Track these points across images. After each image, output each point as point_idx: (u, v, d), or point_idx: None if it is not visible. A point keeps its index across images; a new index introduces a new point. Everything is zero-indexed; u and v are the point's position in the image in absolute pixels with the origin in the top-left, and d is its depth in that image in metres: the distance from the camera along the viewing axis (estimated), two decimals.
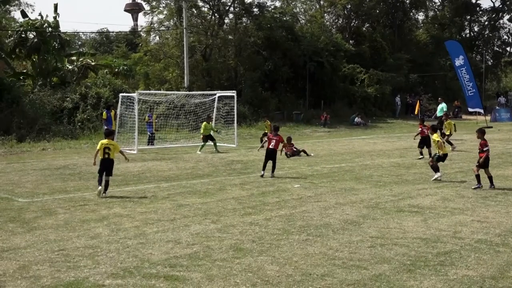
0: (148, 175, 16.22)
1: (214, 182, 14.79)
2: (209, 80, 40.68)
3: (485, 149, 13.23)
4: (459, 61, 37.05)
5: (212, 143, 22.77)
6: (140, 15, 67.46)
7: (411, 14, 58.75)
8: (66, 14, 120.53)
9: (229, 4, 42.57)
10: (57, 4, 35.37)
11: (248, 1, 42.63)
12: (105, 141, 13.13)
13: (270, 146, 15.79)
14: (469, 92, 37.11)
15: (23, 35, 33.38)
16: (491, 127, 35.46)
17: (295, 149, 21.08)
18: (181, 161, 19.75)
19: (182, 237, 9.12)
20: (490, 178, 13.28)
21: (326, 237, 9.07)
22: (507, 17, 63.23)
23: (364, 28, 54.24)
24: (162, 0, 42.35)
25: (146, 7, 45.74)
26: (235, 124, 25.82)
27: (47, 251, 8.36)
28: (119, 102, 24.82)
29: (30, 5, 76.16)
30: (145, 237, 9.11)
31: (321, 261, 7.79)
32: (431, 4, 62.59)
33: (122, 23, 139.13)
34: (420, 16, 62.33)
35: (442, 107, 28.41)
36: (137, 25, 69.26)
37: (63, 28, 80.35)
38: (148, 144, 24.77)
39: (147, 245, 8.63)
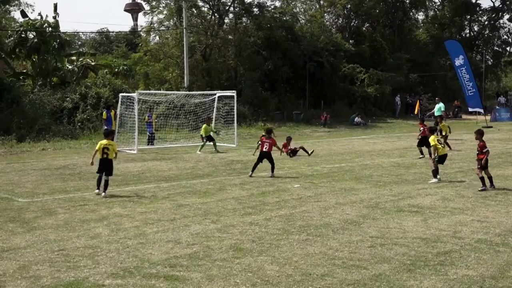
0: (148, 175, 16.23)
1: (214, 182, 14.79)
2: (209, 80, 40.69)
3: (484, 150, 13.19)
4: (459, 61, 37.05)
5: (212, 143, 22.78)
6: (140, 15, 67.49)
7: (411, 14, 58.79)
8: (66, 14, 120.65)
9: (229, 4, 42.58)
10: (56, 4, 35.40)
11: (248, 1, 42.64)
12: (104, 141, 13.15)
13: (264, 149, 15.82)
14: (469, 92, 37.11)
15: (23, 35, 33.38)
16: (491, 127, 35.48)
17: (292, 148, 21.12)
18: (181, 161, 19.75)
19: (182, 237, 9.12)
20: (490, 178, 13.27)
21: (326, 237, 9.07)
22: (507, 16, 63.33)
23: (364, 28, 54.26)
24: (162, 0, 42.37)
25: (146, 7, 45.80)
26: (235, 124, 25.82)
27: (47, 251, 8.36)
28: (119, 102, 24.82)
29: (30, 5, 76.26)
30: (145, 237, 9.11)
31: (321, 261, 7.79)
32: (431, 4, 62.66)
33: (122, 23, 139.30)
34: (420, 16, 62.47)
35: (440, 106, 28.43)
36: (137, 25, 69.30)
37: (63, 28, 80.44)
38: (148, 144, 24.78)
39: (147, 245, 8.63)
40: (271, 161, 15.79)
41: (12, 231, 9.63)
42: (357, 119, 39.30)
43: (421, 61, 53.82)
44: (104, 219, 10.47)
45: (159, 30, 44.08)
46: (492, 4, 63.15)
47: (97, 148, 13.17)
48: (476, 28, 64.98)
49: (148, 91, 31.90)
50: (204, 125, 23.19)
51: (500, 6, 62.65)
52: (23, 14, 35.57)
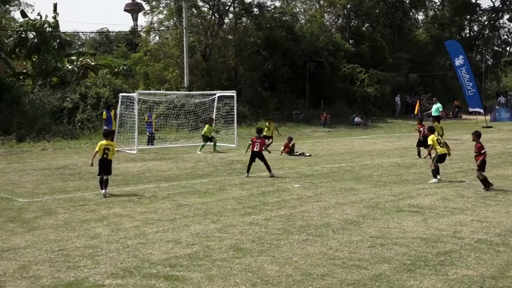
0: (148, 175, 16.23)
1: (214, 182, 14.79)
2: (209, 80, 40.69)
3: (482, 151, 13.18)
4: (459, 61, 37.07)
5: (212, 143, 22.80)
6: (140, 15, 67.51)
7: (411, 13, 58.79)
8: (66, 14, 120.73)
9: (229, 4, 42.58)
10: (56, 3, 35.42)
11: (248, 1, 42.65)
12: (104, 142, 13.18)
13: (255, 149, 15.83)
14: (469, 92, 37.13)
15: (23, 35, 33.38)
16: (491, 127, 35.49)
17: (292, 148, 21.17)
18: (181, 161, 19.75)
19: (182, 237, 9.12)
20: (485, 179, 13.18)
21: (326, 237, 9.07)
22: (507, 16, 63.34)
23: (364, 28, 54.27)
24: (162, 0, 42.37)
25: (146, 7, 45.80)
26: (235, 124, 25.82)
27: (47, 251, 8.36)
28: (119, 102, 24.83)
29: (30, 5, 76.16)
30: (145, 237, 9.11)
31: (321, 261, 7.79)
32: (431, 4, 62.66)
33: (122, 23, 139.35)
34: (420, 16, 62.47)
35: (437, 107, 28.48)
36: (137, 25, 69.32)
37: (63, 28, 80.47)
38: (148, 144, 24.79)
39: (147, 245, 8.63)
40: (264, 160, 15.80)
41: (12, 231, 9.62)
42: (357, 119, 39.30)
43: (421, 61, 53.82)
44: (104, 219, 10.47)
45: (159, 30, 44.11)
46: (492, 4, 63.26)
47: (97, 149, 13.16)
48: (476, 28, 65.05)
49: (148, 91, 31.91)
50: (207, 125, 23.25)
51: (500, 6, 62.66)
52: (23, 14, 35.59)
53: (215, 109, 26.74)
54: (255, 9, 42.61)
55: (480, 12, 63.36)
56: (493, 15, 63.44)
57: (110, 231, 9.55)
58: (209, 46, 41.19)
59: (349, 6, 50.62)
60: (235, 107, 26.30)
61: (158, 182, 14.95)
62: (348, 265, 7.59)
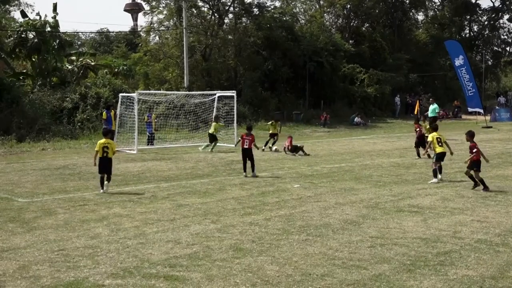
0: (148, 175, 16.23)
1: (214, 182, 14.79)
2: (209, 80, 40.69)
3: (474, 151, 13.18)
4: (459, 61, 37.06)
5: (212, 143, 22.86)
6: (140, 15, 67.46)
7: (411, 14, 58.78)
8: (66, 14, 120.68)
9: (228, 4, 42.58)
10: (56, 3, 35.39)
11: (248, 1, 42.66)
12: (102, 140, 13.39)
13: (245, 146, 15.84)
14: (469, 92, 37.12)
15: (23, 35, 33.36)
16: (491, 127, 35.50)
17: (293, 145, 21.25)
18: (181, 161, 19.75)
19: (182, 237, 9.12)
20: (472, 177, 13.16)
21: (326, 237, 9.07)
22: (506, 17, 63.33)
23: (363, 28, 54.28)
24: (162, 0, 42.37)
25: (146, 7, 45.80)
26: (235, 124, 25.83)
27: (47, 251, 8.36)
28: (119, 102, 24.83)
29: (30, 5, 76.13)
30: (145, 237, 9.11)
31: (321, 261, 7.79)
32: (430, 4, 62.66)
33: (122, 23, 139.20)
34: (420, 16, 62.45)
35: (434, 107, 28.52)
36: (137, 25, 69.29)
37: (63, 28, 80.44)
38: (148, 144, 24.78)
39: (147, 245, 8.63)
40: (252, 159, 15.81)
41: (12, 231, 9.62)
42: (357, 119, 39.30)
43: (421, 61, 53.82)
44: (104, 219, 10.47)
45: (159, 30, 44.11)
46: (492, 4, 63.22)
47: (96, 148, 13.40)
48: (476, 28, 65.04)
49: (148, 91, 31.90)
50: (214, 123, 23.35)
51: (500, 6, 62.64)
52: (23, 14, 35.56)
53: (215, 109, 26.74)
54: (255, 9, 42.62)
55: (480, 12, 63.37)
56: (493, 15, 63.43)
57: (110, 231, 9.55)
58: (209, 46, 41.20)
59: (349, 6, 50.62)
60: (235, 107, 26.32)
61: (158, 182, 14.95)
62: (348, 265, 7.59)
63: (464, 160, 13.96)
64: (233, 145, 24.45)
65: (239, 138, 16.54)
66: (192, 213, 10.92)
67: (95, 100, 30.63)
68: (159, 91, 33.89)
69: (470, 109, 38.87)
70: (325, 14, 52.31)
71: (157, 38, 45.92)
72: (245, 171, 15.78)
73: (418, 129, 20.42)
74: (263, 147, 22.92)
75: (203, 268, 7.50)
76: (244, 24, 43.03)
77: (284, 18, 44.47)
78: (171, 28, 42.65)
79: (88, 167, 17.82)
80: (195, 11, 41.83)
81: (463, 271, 7.33)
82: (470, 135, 13.54)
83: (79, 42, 59.52)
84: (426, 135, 21.66)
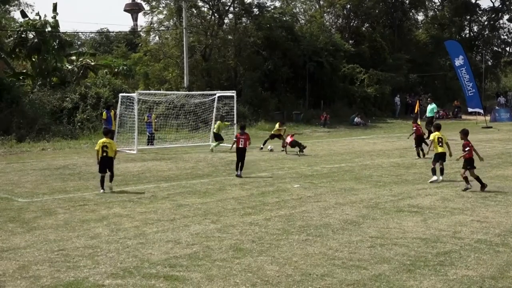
0: (148, 175, 16.23)
1: (214, 182, 14.79)
2: (209, 80, 40.68)
3: (466, 149, 13.18)
4: (459, 61, 37.07)
5: (215, 143, 22.91)
6: (140, 15, 67.48)
7: (411, 14, 58.77)
8: (66, 14, 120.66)
9: (228, 4, 42.57)
10: (56, 3, 35.38)
11: (248, 1, 42.65)
12: (102, 140, 13.53)
13: (240, 145, 15.87)
14: (469, 92, 37.13)
15: (23, 35, 33.35)
16: (491, 127, 35.52)
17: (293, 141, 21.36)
18: (181, 161, 19.76)
19: (182, 237, 9.12)
20: (466, 178, 13.10)
21: (326, 237, 9.07)
22: (506, 17, 63.31)
23: (363, 28, 54.26)
24: (162, 0, 42.36)
25: (146, 7, 45.76)
26: (235, 124, 25.82)
27: (47, 251, 8.36)
28: (119, 102, 24.82)
29: (30, 5, 76.08)
30: (145, 237, 9.11)
31: (321, 261, 7.79)
32: (430, 4, 62.64)
33: (122, 23, 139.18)
34: (420, 16, 62.43)
35: (432, 107, 28.55)
36: (136, 25, 69.30)
37: (63, 28, 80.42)
38: (148, 144, 24.78)
39: (146, 245, 8.63)
40: (243, 158, 15.86)
41: (12, 231, 9.63)
42: (357, 119, 39.30)
43: (421, 61, 53.80)
44: (104, 219, 10.47)
45: (159, 30, 44.10)
46: (491, 5, 63.20)
47: (97, 148, 13.55)
48: (475, 28, 65.00)
49: (148, 91, 31.89)
50: (218, 122, 23.41)
51: (500, 6, 62.61)
52: (23, 14, 35.55)
53: (215, 109, 26.74)
54: (255, 9, 42.60)
55: (480, 12, 63.32)
56: (493, 16, 63.40)
57: (110, 231, 9.55)
58: (209, 46, 41.19)
59: (348, 6, 50.61)
60: (235, 107, 26.32)
61: (158, 182, 14.95)
62: (348, 265, 7.60)
63: (456, 158, 13.97)
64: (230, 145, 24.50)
65: (234, 139, 16.55)
66: (192, 213, 10.92)
67: (95, 100, 30.62)
68: (159, 91, 33.88)
69: (470, 109, 38.87)
70: (325, 14, 52.30)
71: (157, 38, 45.97)
72: (237, 170, 15.83)
73: (415, 128, 20.47)
74: (262, 146, 22.96)
75: (203, 268, 7.50)
76: (244, 24, 43.02)
77: (284, 18, 44.45)
78: (171, 28, 42.65)
79: (88, 167, 17.82)
80: (195, 11, 41.81)
81: (463, 271, 7.33)
82: (464, 133, 13.57)
83: (79, 42, 59.55)
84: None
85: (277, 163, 18.69)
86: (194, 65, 40.86)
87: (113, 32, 63.99)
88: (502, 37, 65.18)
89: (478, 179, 13.06)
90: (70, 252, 8.27)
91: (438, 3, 63.40)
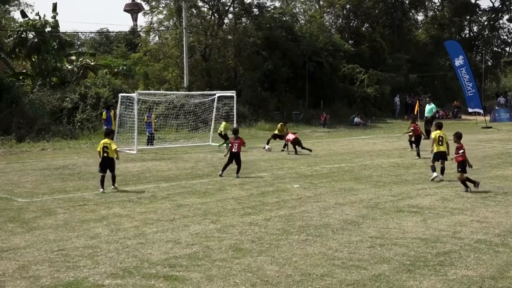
0: (148, 175, 16.22)
1: (214, 182, 14.79)
2: (209, 80, 40.69)
3: (460, 152, 13.18)
4: (458, 61, 37.08)
5: (220, 142, 22.95)
6: (140, 15, 67.55)
7: (411, 14, 58.78)
8: (66, 14, 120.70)
9: (228, 4, 42.58)
10: (56, 3, 35.36)
11: (248, 1, 42.67)
12: (104, 140, 13.65)
13: (233, 150, 15.87)
14: (469, 92, 37.14)
15: (22, 35, 33.35)
16: (491, 127, 35.55)
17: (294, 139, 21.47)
18: (181, 161, 19.75)
19: (182, 237, 9.12)
20: (468, 180, 13.06)
21: (326, 237, 9.07)
22: (506, 17, 63.31)
23: (363, 28, 54.27)
24: (161, 0, 42.37)
25: (146, 7, 45.79)
26: (235, 124, 25.81)
27: (47, 251, 8.36)
28: (119, 102, 24.82)
29: (30, 5, 76.04)
30: (145, 237, 9.11)
31: (321, 261, 7.79)
32: (430, 4, 62.64)
33: (121, 23, 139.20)
34: (420, 16, 62.45)
35: (431, 107, 28.58)
36: (136, 25, 69.35)
37: (63, 28, 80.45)
38: (148, 144, 24.77)
39: (146, 245, 8.63)
40: (239, 162, 15.86)
41: (12, 231, 9.62)
42: (356, 119, 39.30)
43: (421, 61, 53.82)
44: (103, 219, 10.47)
45: (158, 30, 44.10)
46: (491, 5, 63.20)
47: (98, 149, 13.69)
48: (475, 28, 65.00)
49: (147, 91, 31.89)
50: (223, 123, 23.40)
51: (500, 6, 62.61)
52: (23, 14, 35.55)
53: (214, 109, 26.74)
54: (255, 9, 42.61)
55: (479, 12, 63.32)
56: (493, 16, 63.40)
57: (110, 231, 9.55)
58: (208, 46, 41.19)
59: (348, 6, 50.63)
60: (235, 107, 26.33)
61: (158, 182, 14.95)
62: (348, 265, 7.59)
63: (451, 157, 13.99)
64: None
65: (229, 144, 16.53)
66: (191, 213, 10.92)
67: (94, 100, 30.62)
68: (158, 91, 33.88)
69: (470, 110, 38.88)
70: (324, 14, 52.30)
71: (156, 38, 45.98)
72: (222, 171, 15.82)
73: (413, 128, 20.51)
74: (265, 146, 22.88)
75: (203, 268, 7.50)
76: (244, 24, 43.03)
77: (284, 18, 44.45)
78: (171, 28, 42.65)
79: (87, 167, 17.83)
80: (195, 11, 41.82)
81: (462, 271, 7.33)
82: (458, 136, 13.63)
83: (79, 42, 59.55)
84: (409, 133, 21.84)
85: (277, 163, 18.69)
86: (194, 65, 40.86)
87: (113, 32, 64.07)
88: (502, 37, 65.24)
89: (466, 181, 13.02)
90: (69, 252, 8.27)
91: (438, 3, 63.47)
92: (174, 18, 41.91)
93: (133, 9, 73.40)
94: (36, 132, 26.87)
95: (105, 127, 22.20)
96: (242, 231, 9.46)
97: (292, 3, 52.22)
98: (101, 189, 13.21)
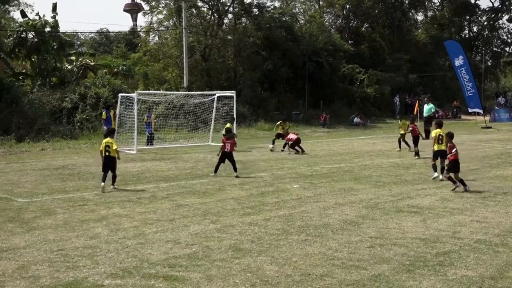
0: (147, 175, 16.22)
1: (213, 182, 14.78)
2: (208, 80, 40.67)
3: (453, 151, 13.18)
4: (458, 61, 37.07)
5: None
6: (140, 15, 67.52)
7: (410, 14, 58.79)
8: (66, 14, 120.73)
9: (228, 4, 42.57)
10: (56, 3, 35.36)
11: (248, 1, 42.66)
12: (106, 140, 13.86)
13: (226, 150, 15.88)
14: (468, 92, 37.13)
15: (22, 35, 33.34)
16: (490, 127, 35.55)
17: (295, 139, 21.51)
18: (180, 161, 19.75)
19: (181, 237, 9.11)
20: (462, 181, 13.08)
21: (325, 237, 9.07)
22: (506, 17, 63.29)
23: (363, 28, 54.27)
24: (161, 0, 42.35)
25: (146, 7, 45.76)
26: (235, 124, 25.80)
27: (46, 251, 8.36)
28: (119, 102, 24.81)
29: (30, 5, 76.04)
30: (144, 237, 9.11)
31: (320, 261, 7.79)
32: (430, 4, 62.64)
33: (121, 23, 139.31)
34: (419, 16, 62.46)
35: (430, 107, 28.60)
36: (136, 25, 69.34)
37: (63, 28, 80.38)
38: (147, 144, 24.76)
39: (146, 245, 8.63)
40: (232, 161, 15.88)
41: (11, 231, 9.62)
42: (356, 120, 39.30)
43: (421, 61, 53.83)
44: (103, 219, 10.47)
45: (158, 30, 44.09)
46: (491, 5, 63.21)
47: (101, 148, 13.87)
48: (475, 28, 65.00)
49: (147, 91, 31.88)
50: (228, 124, 23.37)
51: (499, 6, 62.61)
52: (23, 14, 35.54)
53: (214, 109, 26.74)
54: (255, 10, 42.59)
55: (479, 12, 63.32)
56: (493, 16, 63.41)
57: (109, 231, 9.55)
58: (208, 46, 41.19)
59: (348, 6, 50.64)
60: (235, 107, 26.31)
61: (158, 182, 14.95)
62: (347, 265, 7.60)
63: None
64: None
65: (221, 145, 16.52)
66: (191, 213, 10.92)
67: (94, 100, 30.61)
68: (158, 91, 33.87)
69: (469, 110, 38.87)
70: (324, 14, 52.30)
71: (156, 38, 45.95)
72: (215, 172, 15.86)
73: (411, 128, 20.53)
74: (271, 147, 22.75)
75: (203, 268, 7.50)
76: (243, 24, 43.02)
77: (284, 18, 44.44)
78: (170, 28, 42.64)
79: (87, 167, 17.82)
80: (194, 11, 41.81)
81: (462, 272, 7.33)
82: (450, 136, 13.64)
83: (78, 42, 59.56)
84: (402, 133, 21.86)
85: (277, 163, 18.69)
86: (194, 65, 40.84)
87: (112, 32, 64.10)
88: (501, 37, 65.24)
89: (462, 181, 13.03)
90: (69, 252, 8.27)
91: (438, 3, 63.48)
92: (174, 18, 41.90)
93: (132, 9, 73.41)
94: (36, 132, 26.86)
95: (105, 127, 22.22)
96: (242, 231, 9.46)
97: (292, 3, 52.22)
98: (102, 183, 13.41)
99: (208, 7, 42.88)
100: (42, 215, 10.81)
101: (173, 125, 28.70)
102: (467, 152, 21.19)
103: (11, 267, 7.61)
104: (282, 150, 22.11)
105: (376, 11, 53.69)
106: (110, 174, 13.68)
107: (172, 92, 33.06)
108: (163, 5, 42.48)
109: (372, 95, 45.18)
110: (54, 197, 12.83)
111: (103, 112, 24.95)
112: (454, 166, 13.07)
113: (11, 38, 33.67)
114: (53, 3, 35.33)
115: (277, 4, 46.86)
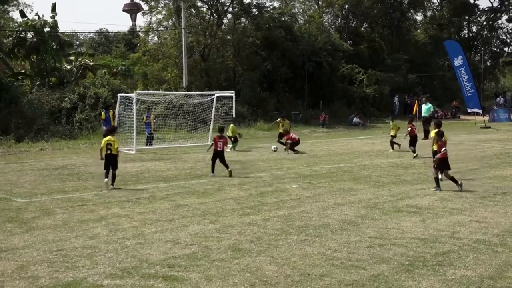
0: (147, 175, 16.22)
1: (213, 182, 14.78)
2: (208, 80, 40.66)
3: (442, 150, 13.20)
4: (458, 61, 37.07)
5: (232, 145, 22.98)
6: (139, 15, 67.37)
7: (409, 14, 58.82)
8: (65, 14, 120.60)
9: (227, 4, 42.57)
10: (55, 3, 35.31)
11: (247, 1, 42.65)
12: (107, 138, 14.00)
13: (218, 148, 15.89)
14: (467, 92, 37.14)
15: (21, 35, 33.32)
16: (489, 127, 35.57)
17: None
18: (180, 161, 19.75)
19: (181, 237, 9.11)
20: (452, 178, 13.13)
21: (325, 237, 9.07)
22: (505, 17, 63.35)
23: (362, 28, 54.28)
24: (160, 0, 42.34)
25: (145, 7, 45.72)
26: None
27: (46, 251, 8.36)
28: (118, 102, 24.81)
29: (29, 5, 76.01)
30: (144, 237, 9.11)
31: (320, 261, 7.79)
32: (429, 4, 62.68)
33: (120, 23, 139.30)
34: (419, 16, 62.49)
35: (428, 107, 28.63)
36: (135, 25, 69.22)
37: (62, 28, 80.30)
38: (147, 144, 24.76)
39: (145, 245, 8.63)
40: (223, 160, 15.91)
41: (11, 231, 9.62)
42: (355, 120, 39.30)
43: (420, 61, 53.85)
44: (102, 219, 10.46)
45: (157, 30, 44.07)
46: (490, 5, 63.24)
47: (101, 145, 13.99)
48: (474, 28, 65.03)
49: (146, 91, 31.85)
50: (232, 125, 23.38)
51: (499, 6, 62.65)
52: (22, 14, 35.52)
53: (213, 110, 26.72)
54: (254, 10, 42.59)
55: (478, 12, 63.35)
56: (492, 16, 63.45)
57: (109, 231, 9.54)
58: (207, 46, 41.18)
59: (347, 6, 50.66)
60: (234, 107, 26.31)
61: (157, 182, 14.94)
62: (347, 265, 7.60)
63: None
64: (231, 145, 24.46)
65: (212, 142, 16.53)
66: (190, 213, 10.92)
67: (93, 100, 30.59)
68: (157, 91, 33.83)
69: (469, 110, 38.88)
70: (323, 14, 52.31)
71: (155, 38, 45.90)
72: (212, 171, 15.88)
73: (410, 128, 20.55)
74: (274, 147, 22.70)
75: (202, 268, 7.50)
76: (243, 24, 43.02)
77: (283, 19, 44.41)
78: (169, 28, 42.63)
79: (86, 167, 17.82)
80: (194, 11, 41.81)
81: (461, 272, 7.34)
82: (440, 135, 13.67)
83: (77, 42, 59.52)
84: (392, 134, 21.88)
85: (276, 163, 18.69)
86: (193, 65, 40.82)
87: (112, 32, 64.10)
88: (500, 37, 65.27)
89: (453, 179, 13.08)
90: (68, 252, 8.27)
91: (437, 3, 63.51)
92: (173, 18, 41.88)
93: (132, 9, 73.28)
94: (35, 132, 26.84)
95: (104, 127, 22.22)
96: (241, 231, 9.46)
97: (291, 3, 52.20)
98: (106, 179, 13.57)
99: (207, 7, 42.88)
100: (41, 215, 10.81)
101: (172, 125, 28.69)
102: (466, 152, 21.22)
103: (10, 267, 7.60)
104: (284, 149, 21.93)
105: (375, 11, 53.70)
106: (110, 174, 13.70)
107: (171, 92, 33.04)
108: (162, 5, 42.47)
109: (371, 95, 45.20)
110: (53, 197, 12.82)
111: (102, 112, 24.96)
112: (442, 164, 13.08)
113: (10, 38, 33.63)
114: (52, 3, 35.31)
115: (276, 4, 46.87)
